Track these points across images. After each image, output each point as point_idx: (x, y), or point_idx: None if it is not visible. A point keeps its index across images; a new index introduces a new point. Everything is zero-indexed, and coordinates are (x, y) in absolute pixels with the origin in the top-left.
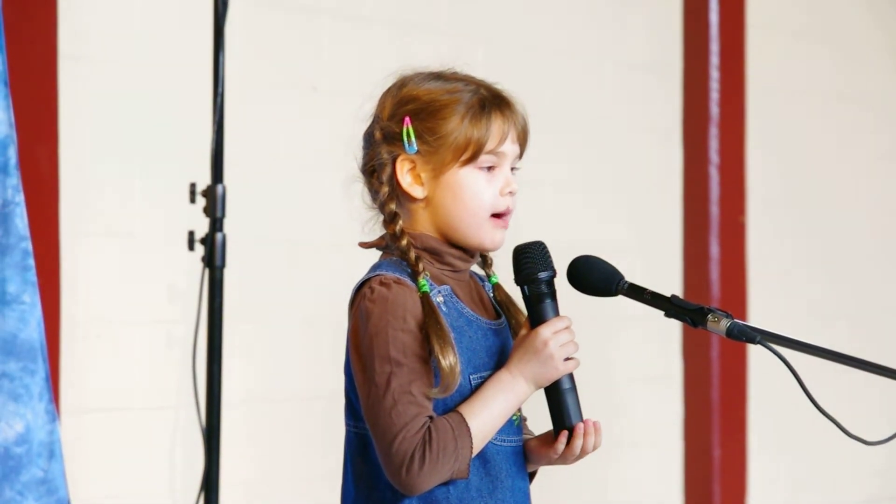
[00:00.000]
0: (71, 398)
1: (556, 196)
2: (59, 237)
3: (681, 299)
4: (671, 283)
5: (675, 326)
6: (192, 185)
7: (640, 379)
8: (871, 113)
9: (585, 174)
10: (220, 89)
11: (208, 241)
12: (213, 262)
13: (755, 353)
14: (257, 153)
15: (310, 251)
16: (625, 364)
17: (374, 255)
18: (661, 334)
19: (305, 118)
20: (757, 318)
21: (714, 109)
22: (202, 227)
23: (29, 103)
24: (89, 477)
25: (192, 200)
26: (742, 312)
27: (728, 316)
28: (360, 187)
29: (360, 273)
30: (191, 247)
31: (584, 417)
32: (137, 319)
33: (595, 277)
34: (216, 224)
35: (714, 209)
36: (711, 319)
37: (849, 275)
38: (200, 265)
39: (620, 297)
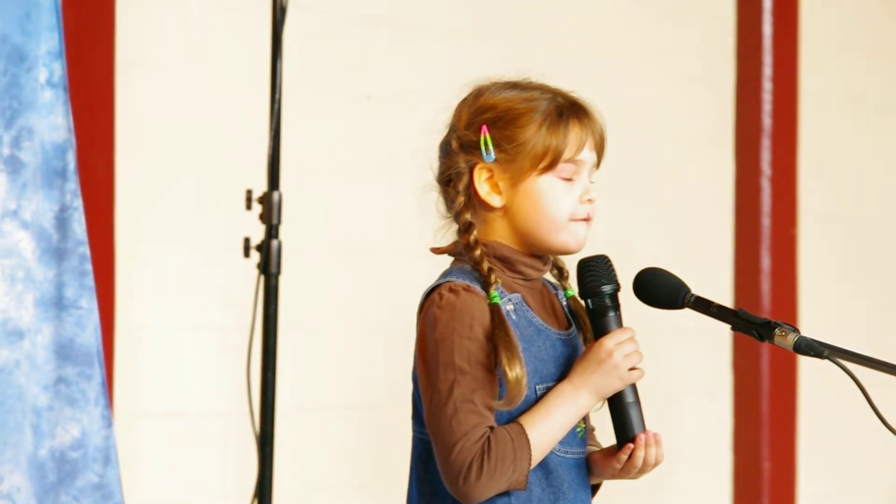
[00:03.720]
0: (125, 403)
1: (608, 208)
2: (114, 242)
3: (748, 313)
4: (722, 296)
5: (725, 339)
6: (249, 192)
7: (690, 391)
8: None
9: (637, 186)
10: (277, 96)
11: (264, 247)
12: (269, 268)
13: (806, 365)
14: (313, 160)
15: (365, 258)
16: (674, 377)
17: (429, 261)
18: (711, 347)
19: (360, 125)
20: (808, 331)
21: (766, 121)
22: (258, 233)
23: (86, 109)
24: (141, 482)
25: (248, 207)
26: (793, 325)
27: (795, 330)
28: (414, 194)
29: (416, 280)
30: (246, 253)
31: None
32: (192, 325)
33: (661, 290)
34: (272, 231)
35: (766, 221)
36: (779, 334)
37: None
38: (256, 272)
39: (669, 310)
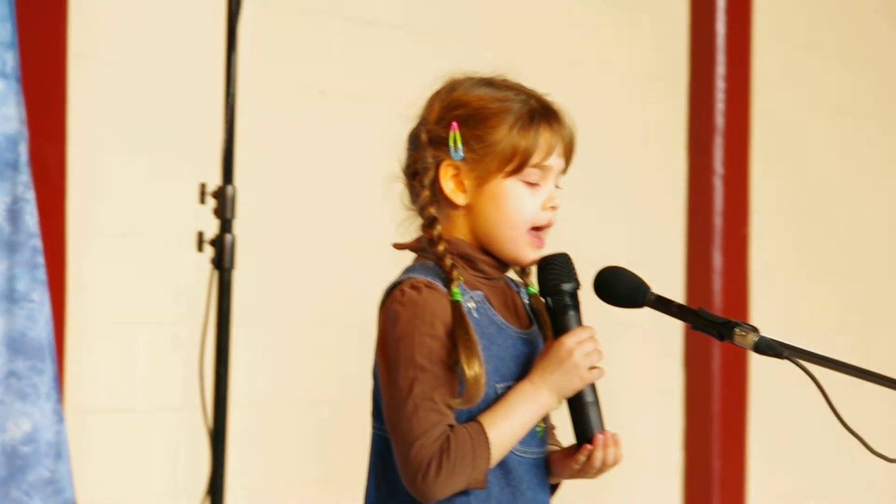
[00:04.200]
0: (76, 398)
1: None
2: (66, 235)
3: (708, 312)
4: (674, 294)
5: (676, 337)
6: (202, 186)
7: (641, 390)
8: (876, 124)
9: (589, 183)
10: (231, 90)
11: (218, 242)
12: (223, 263)
13: (757, 364)
14: (267, 155)
15: (320, 253)
16: (625, 375)
17: (386, 257)
18: (663, 345)
19: (316, 121)
20: (759, 329)
21: (719, 119)
22: (212, 228)
23: (39, 100)
24: (93, 477)
25: (202, 201)
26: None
27: (755, 330)
28: (376, 189)
29: (371, 275)
30: (200, 248)
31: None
32: (144, 320)
33: (622, 289)
34: (226, 225)
35: (718, 220)
36: (739, 333)
37: (852, 287)
38: (209, 266)
39: (617, 308)
